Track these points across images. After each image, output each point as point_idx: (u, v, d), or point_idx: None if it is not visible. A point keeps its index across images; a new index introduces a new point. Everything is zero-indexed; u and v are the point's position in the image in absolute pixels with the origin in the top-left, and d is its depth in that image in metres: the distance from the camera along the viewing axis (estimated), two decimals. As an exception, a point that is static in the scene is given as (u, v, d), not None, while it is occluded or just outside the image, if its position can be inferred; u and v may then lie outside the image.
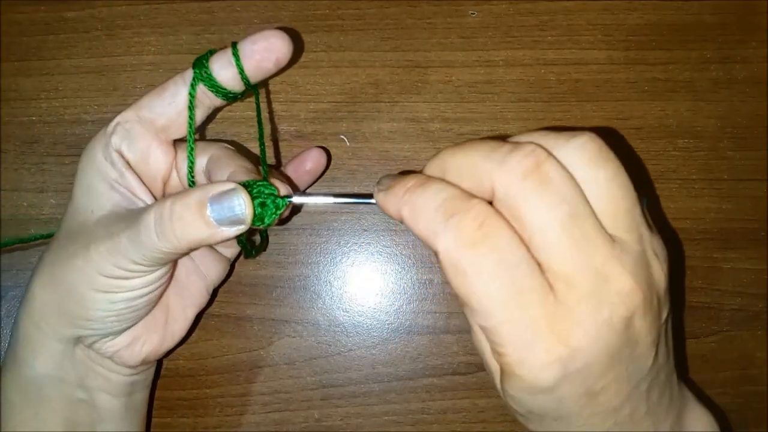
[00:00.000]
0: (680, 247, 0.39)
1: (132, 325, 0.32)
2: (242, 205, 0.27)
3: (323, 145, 0.38)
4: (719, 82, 0.40)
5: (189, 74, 0.31)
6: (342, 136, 0.39)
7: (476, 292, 0.23)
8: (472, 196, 0.24)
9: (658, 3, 0.40)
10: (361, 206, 0.39)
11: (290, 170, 0.37)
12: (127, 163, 0.31)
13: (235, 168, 0.30)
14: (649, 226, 0.25)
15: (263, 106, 0.38)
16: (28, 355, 0.31)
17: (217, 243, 0.28)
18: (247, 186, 0.27)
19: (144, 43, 0.39)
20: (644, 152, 0.39)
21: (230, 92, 0.31)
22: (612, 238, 0.23)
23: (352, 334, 0.39)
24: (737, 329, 0.39)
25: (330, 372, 0.38)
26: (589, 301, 0.23)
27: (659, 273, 0.25)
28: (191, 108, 0.30)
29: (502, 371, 0.24)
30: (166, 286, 0.32)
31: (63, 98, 0.39)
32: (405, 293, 0.39)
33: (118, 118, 0.31)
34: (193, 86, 0.30)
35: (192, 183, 0.31)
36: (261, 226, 0.28)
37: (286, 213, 0.29)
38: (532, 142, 0.23)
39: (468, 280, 0.23)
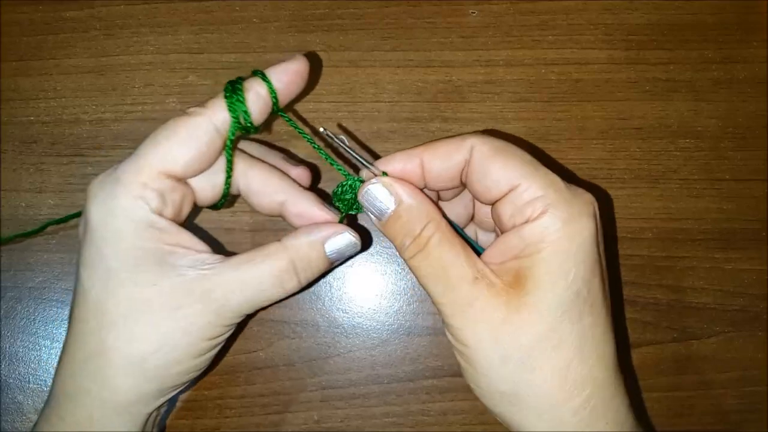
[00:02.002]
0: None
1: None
2: (354, 240, 0.30)
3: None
4: (720, 81, 0.40)
5: (219, 115, 0.28)
6: (342, 136, 0.39)
7: (534, 174, 0.27)
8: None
9: (658, 3, 0.40)
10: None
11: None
12: (172, 221, 0.28)
13: (284, 191, 0.31)
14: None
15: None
16: None
17: None
18: (339, 191, 0.30)
19: (143, 42, 0.39)
20: (645, 152, 0.39)
21: (258, 128, 0.29)
22: None
23: (351, 336, 0.39)
24: (738, 330, 0.39)
25: (330, 373, 0.38)
26: (569, 192, 0.27)
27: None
28: (230, 160, 0.29)
29: (526, 273, 0.26)
30: None
31: (61, 98, 0.39)
32: (405, 294, 0.39)
33: (143, 179, 0.27)
34: (232, 136, 0.28)
35: (220, 205, 0.31)
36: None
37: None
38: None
39: (502, 153, 0.27)
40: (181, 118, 0.28)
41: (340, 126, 0.39)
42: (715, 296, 0.39)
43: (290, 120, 0.31)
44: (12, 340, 0.38)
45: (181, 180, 0.28)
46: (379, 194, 0.28)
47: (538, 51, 0.39)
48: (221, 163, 0.30)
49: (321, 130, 0.29)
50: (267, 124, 0.31)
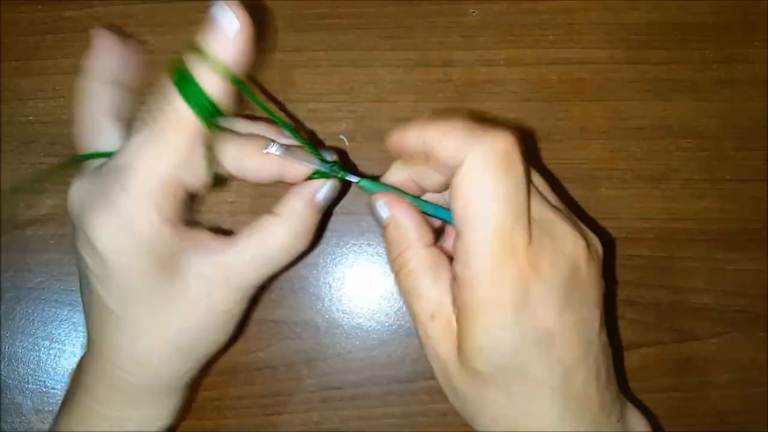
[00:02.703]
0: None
1: None
2: (337, 184, 0.31)
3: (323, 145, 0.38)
4: (721, 81, 0.40)
5: (195, 126, 0.27)
6: (342, 136, 0.39)
7: (483, 207, 0.25)
8: None
9: (659, 2, 0.40)
10: (361, 206, 0.38)
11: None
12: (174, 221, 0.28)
13: (276, 163, 0.30)
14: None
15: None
16: (153, 416, 0.31)
17: None
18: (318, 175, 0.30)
19: (142, 42, 0.39)
20: (646, 152, 0.39)
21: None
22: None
23: (351, 336, 0.39)
24: (739, 331, 0.39)
25: (329, 374, 0.38)
26: (548, 238, 0.27)
27: (592, 236, 0.29)
28: (211, 157, 0.28)
29: (467, 314, 0.26)
30: None
31: (60, 98, 0.39)
32: (405, 294, 0.39)
33: (146, 191, 0.26)
34: (210, 140, 0.27)
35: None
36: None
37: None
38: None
39: (481, 192, 0.25)
40: (155, 123, 0.27)
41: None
42: (717, 297, 0.39)
43: (247, 90, 0.28)
44: (11, 341, 0.38)
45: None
46: (378, 208, 0.30)
47: (538, 50, 0.39)
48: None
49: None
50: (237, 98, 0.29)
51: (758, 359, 0.39)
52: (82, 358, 0.32)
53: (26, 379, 0.38)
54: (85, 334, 0.31)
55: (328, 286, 0.39)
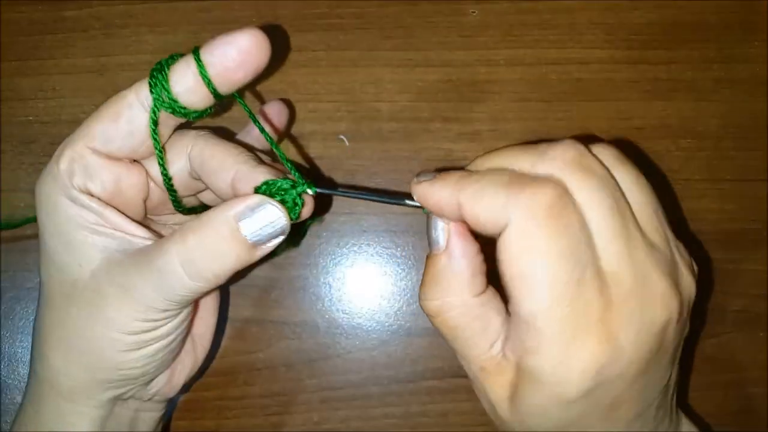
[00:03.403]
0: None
1: (170, 364, 0.30)
2: (280, 216, 0.25)
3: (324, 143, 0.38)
4: (721, 81, 0.40)
5: (144, 92, 0.25)
6: (342, 136, 0.39)
7: (539, 269, 0.21)
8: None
9: (660, 2, 0.40)
10: (361, 206, 0.38)
11: (254, 140, 0.33)
12: (100, 200, 0.26)
13: (237, 166, 0.26)
14: (672, 231, 0.25)
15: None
16: (65, 429, 0.28)
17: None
18: (266, 189, 0.25)
19: (142, 42, 0.39)
20: (646, 152, 0.39)
21: (197, 112, 0.26)
22: (647, 238, 0.23)
23: (351, 336, 0.39)
24: (739, 331, 0.39)
25: (329, 374, 0.38)
26: (634, 300, 0.22)
27: (689, 280, 0.24)
28: (156, 139, 0.26)
29: (528, 379, 0.23)
30: (195, 315, 0.30)
31: (60, 98, 0.39)
32: (405, 295, 0.39)
33: (67, 153, 0.26)
34: (154, 114, 0.25)
35: (175, 199, 0.29)
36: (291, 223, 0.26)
37: (308, 207, 0.26)
38: (568, 138, 0.23)
39: (533, 253, 0.21)
40: (115, 96, 0.26)
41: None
42: (716, 297, 0.39)
43: (244, 103, 0.28)
44: (11, 341, 0.38)
45: (113, 158, 0.27)
46: (437, 228, 0.25)
47: (538, 50, 0.39)
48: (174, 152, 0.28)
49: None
50: (216, 108, 0.27)
51: (758, 359, 0.39)
52: None
53: (26, 379, 0.38)
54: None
55: (328, 286, 0.39)
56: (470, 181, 0.23)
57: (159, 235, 0.28)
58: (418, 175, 0.25)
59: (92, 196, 0.26)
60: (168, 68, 0.25)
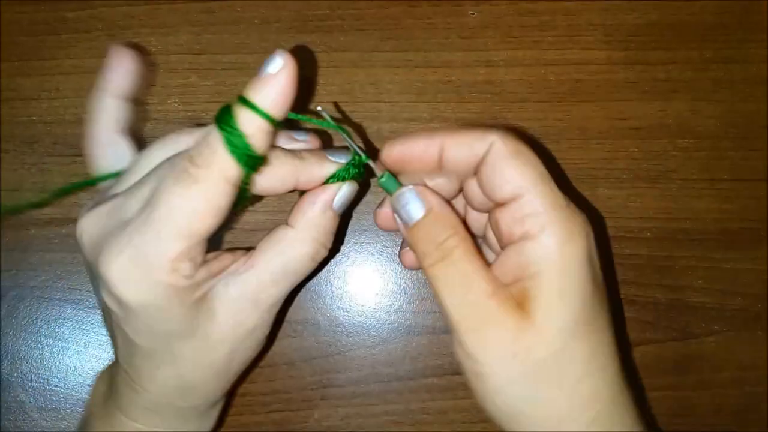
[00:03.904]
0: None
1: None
2: (353, 187, 0.30)
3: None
4: (719, 82, 0.40)
5: (232, 173, 0.26)
6: (318, 107, 0.38)
7: (538, 174, 0.27)
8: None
9: (658, 3, 0.40)
10: (362, 205, 0.39)
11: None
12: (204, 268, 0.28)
13: (298, 173, 0.29)
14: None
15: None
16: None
17: None
18: (332, 179, 0.30)
19: (144, 43, 0.39)
20: (644, 152, 0.39)
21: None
22: None
23: (352, 334, 0.39)
24: (738, 330, 0.39)
25: (330, 372, 0.38)
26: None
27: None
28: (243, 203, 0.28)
29: (548, 272, 0.27)
30: None
31: (63, 98, 0.39)
32: (405, 293, 0.39)
33: (173, 255, 0.25)
34: (245, 185, 0.27)
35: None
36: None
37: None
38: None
39: (527, 162, 0.27)
40: (188, 176, 0.25)
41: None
42: (715, 296, 0.39)
43: (300, 116, 0.29)
44: (14, 339, 0.38)
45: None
46: (410, 199, 0.28)
47: (537, 51, 0.39)
48: None
49: (318, 108, 0.29)
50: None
51: (757, 358, 0.39)
52: (110, 370, 0.32)
53: (29, 377, 0.38)
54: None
55: (329, 284, 0.39)
56: (441, 130, 0.28)
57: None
58: (386, 145, 0.29)
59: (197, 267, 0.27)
60: (243, 138, 0.25)
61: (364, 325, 0.39)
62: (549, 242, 0.26)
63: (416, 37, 0.39)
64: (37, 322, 0.38)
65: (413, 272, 0.39)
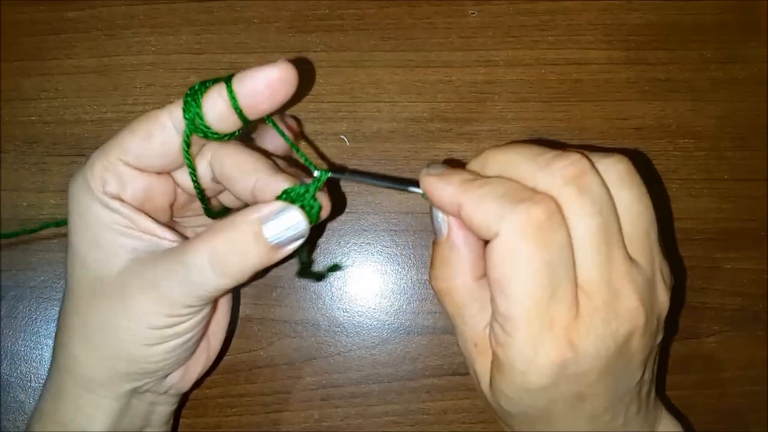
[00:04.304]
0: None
1: (187, 360, 0.31)
2: (300, 221, 0.27)
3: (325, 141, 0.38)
4: (719, 82, 0.40)
5: (177, 115, 0.27)
6: (342, 136, 0.39)
7: (517, 280, 0.24)
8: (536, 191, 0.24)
9: (658, 3, 0.40)
10: (362, 205, 0.39)
11: (267, 141, 0.34)
12: (131, 205, 0.28)
13: (257, 174, 0.28)
14: (661, 251, 0.27)
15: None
16: (83, 420, 0.29)
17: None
18: (286, 196, 0.27)
19: (144, 42, 0.39)
20: (644, 152, 0.39)
21: (226, 135, 0.27)
22: (630, 257, 0.25)
23: (352, 335, 0.39)
24: (738, 329, 0.39)
25: (330, 372, 0.38)
26: (601, 313, 0.24)
27: (663, 297, 0.27)
28: (189, 159, 0.28)
29: (499, 366, 0.25)
30: (212, 315, 0.31)
31: (63, 98, 0.39)
32: (405, 293, 0.39)
33: (100, 162, 0.27)
34: (187, 138, 0.27)
35: (207, 207, 0.30)
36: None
37: (325, 209, 0.28)
38: (577, 152, 0.25)
39: (515, 265, 0.24)
40: (147, 114, 0.28)
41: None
42: (714, 296, 0.39)
43: (276, 126, 0.29)
44: (14, 339, 0.38)
45: (145, 171, 0.28)
46: (438, 217, 0.27)
47: (537, 51, 0.39)
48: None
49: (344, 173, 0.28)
50: (246, 131, 0.29)
51: (757, 358, 0.39)
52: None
53: (29, 378, 0.38)
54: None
55: (328, 284, 0.39)
56: (472, 187, 0.25)
57: (184, 237, 0.29)
58: (428, 165, 0.27)
59: (123, 201, 0.28)
60: (201, 95, 0.27)
61: (364, 326, 0.39)
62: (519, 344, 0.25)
63: (416, 37, 0.39)
64: (36, 322, 0.38)
65: (413, 272, 0.39)
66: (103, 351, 0.28)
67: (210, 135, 0.27)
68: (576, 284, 0.24)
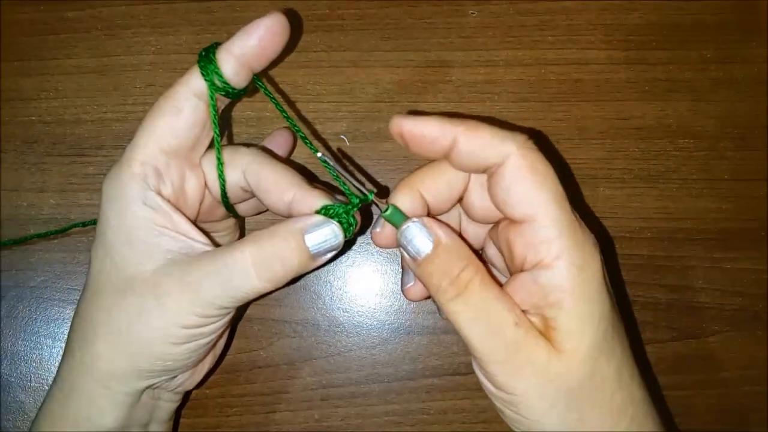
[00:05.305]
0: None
1: (203, 360, 0.32)
2: (337, 234, 0.28)
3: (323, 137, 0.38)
4: (719, 82, 0.40)
5: (195, 82, 0.28)
6: (342, 136, 0.39)
7: (545, 192, 0.26)
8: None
9: (658, 3, 0.40)
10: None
11: (274, 145, 0.37)
12: (169, 202, 0.29)
13: (294, 189, 0.29)
14: None
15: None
16: (94, 414, 0.29)
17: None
18: (324, 211, 0.29)
19: (144, 42, 0.39)
20: (644, 152, 0.39)
21: (240, 91, 0.29)
22: None
23: (352, 335, 0.39)
24: (738, 329, 0.39)
25: (330, 372, 0.38)
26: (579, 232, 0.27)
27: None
28: (216, 123, 0.29)
29: (569, 301, 0.26)
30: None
31: (63, 98, 0.39)
32: (405, 293, 0.39)
33: (140, 155, 0.28)
34: (212, 99, 0.28)
35: (226, 202, 0.31)
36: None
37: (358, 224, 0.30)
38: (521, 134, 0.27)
39: (540, 176, 0.26)
40: (164, 95, 0.29)
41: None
42: (714, 296, 0.39)
43: (266, 89, 0.31)
44: (14, 339, 0.38)
45: (179, 156, 0.29)
46: (416, 234, 0.27)
47: (537, 51, 0.39)
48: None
49: (318, 155, 0.28)
50: (250, 89, 0.30)
51: (757, 357, 0.39)
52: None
53: (29, 377, 0.38)
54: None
55: (328, 285, 0.39)
56: (460, 120, 0.27)
57: (214, 242, 0.30)
58: (397, 115, 0.27)
59: (163, 197, 0.28)
60: (214, 56, 0.28)
61: (364, 326, 0.39)
62: (566, 271, 0.26)
63: (416, 37, 0.39)
64: (36, 322, 0.38)
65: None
66: (129, 347, 0.28)
67: (231, 92, 0.29)
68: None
